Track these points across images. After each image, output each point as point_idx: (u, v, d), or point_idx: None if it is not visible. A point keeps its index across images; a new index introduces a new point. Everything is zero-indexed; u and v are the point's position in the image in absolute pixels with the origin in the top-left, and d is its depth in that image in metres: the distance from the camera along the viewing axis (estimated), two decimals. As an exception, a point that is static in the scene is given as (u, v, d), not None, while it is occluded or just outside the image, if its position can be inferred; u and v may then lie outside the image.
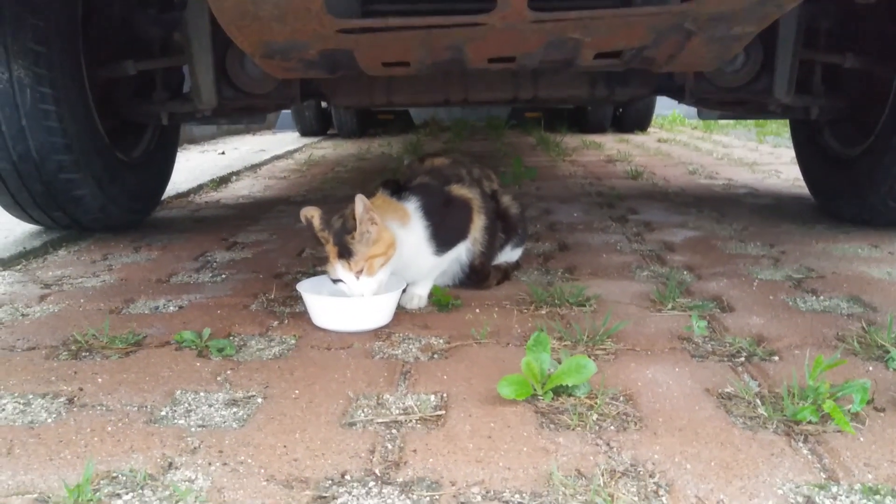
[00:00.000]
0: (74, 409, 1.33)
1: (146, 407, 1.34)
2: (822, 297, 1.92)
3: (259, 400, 1.36)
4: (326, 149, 6.37)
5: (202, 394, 1.39)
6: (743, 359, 1.53)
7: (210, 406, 1.34)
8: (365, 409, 1.32)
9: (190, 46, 2.20)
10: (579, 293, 1.89)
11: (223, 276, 2.23)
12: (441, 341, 1.65)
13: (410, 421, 1.28)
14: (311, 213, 1.74)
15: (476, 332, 1.67)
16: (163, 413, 1.32)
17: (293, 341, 1.67)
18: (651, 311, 1.82)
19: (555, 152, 5.51)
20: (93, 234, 2.79)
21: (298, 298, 1.92)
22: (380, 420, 1.28)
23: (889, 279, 2.08)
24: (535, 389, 1.35)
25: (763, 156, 5.43)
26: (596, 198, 3.54)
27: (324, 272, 1.79)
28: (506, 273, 2.09)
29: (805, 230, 2.73)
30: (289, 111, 7.65)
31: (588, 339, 1.61)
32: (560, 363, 1.45)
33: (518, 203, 2.10)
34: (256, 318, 1.83)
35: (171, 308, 1.92)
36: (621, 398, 1.35)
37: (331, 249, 1.70)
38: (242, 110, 2.68)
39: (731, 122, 8.70)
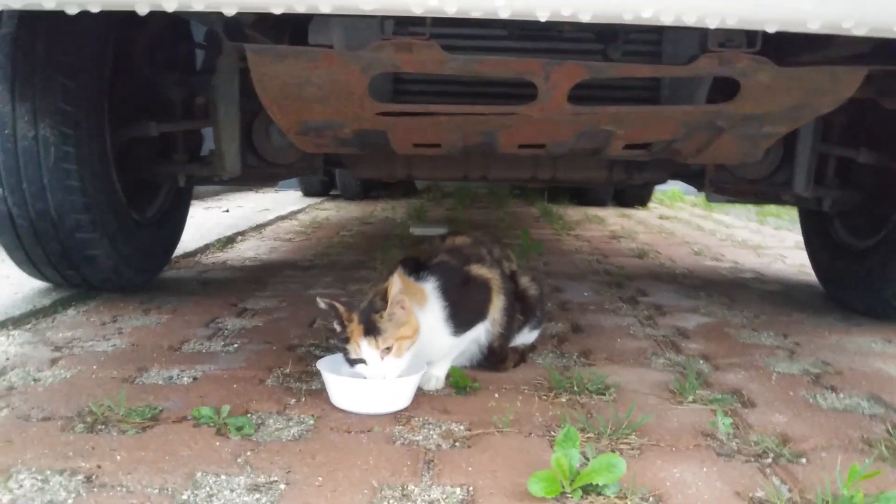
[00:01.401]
0: (94, 488, 1.30)
1: (167, 490, 1.31)
2: (841, 395, 1.91)
3: (282, 486, 1.33)
4: (330, 210, 6.40)
5: (223, 477, 1.36)
6: (770, 460, 1.51)
7: (232, 491, 1.31)
8: (391, 501, 1.29)
9: (216, 113, 2.22)
10: (599, 381, 1.88)
11: (235, 345, 2.20)
12: (462, 427, 1.63)
13: (438, 516, 1.25)
14: (333, 302, 1.72)
15: (498, 420, 1.64)
16: (185, 497, 1.28)
17: (312, 422, 1.64)
18: (671, 403, 1.81)
19: (559, 225, 5.55)
20: (101, 294, 2.77)
21: (315, 374, 1.90)
22: (407, 514, 1.25)
23: (906, 377, 2.07)
24: (563, 486, 1.32)
25: (766, 238, 5.47)
26: (604, 276, 3.55)
27: (339, 348, 1.77)
28: (522, 355, 2.07)
29: (816, 320, 2.73)
30: (292, 170, 7.70)
31: (612, 432, 1.59)
32: (587, 458, 1.43)
33: (537, 284, 2.10)
34: (273, 394, 1.80)
35: (186, 379, 1.89)
36: (651, 498, 1.33)
37: (355, 329, 1.68)
38: (261, 177, 2.69)
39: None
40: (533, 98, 1.40)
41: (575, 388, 1.86)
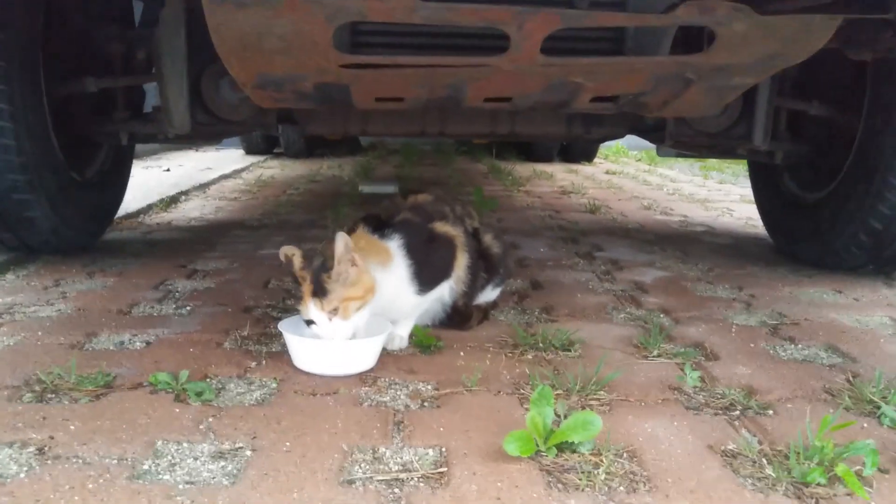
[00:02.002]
0: (48, 461, 1.23)
1: (127, 460, 1.25)
2: (800, 346, 1.93)
3: (248, 453, 1.28)
4: (274, 169, 6.26)
5: (185, 444, 1.31)
6: (738, 412, 1.51)
7: (196, 459, 1.26)
8: (362, 465, 1.26)
9: (161, 67, 2.10)
10: (564, 337, 1.86)
11: (188, 308, 2.13)
12: (429, 387, 1.60)
13: (412, 479, 1.22)
14: (292, 252, 1.67)
15: (466, 379, 1.62)
16: (145, 467, 1.23)
17: (274, 385, 1.59)
18: (637, 358, 1.80)
19: (508, 181, 5.52)
20: (41, 257, 2.65)
21: (275, 336, 1.85)
22: (380, 478, 1.22)
23: (860, 327, 2.11)
24: (538, 445, 1.30)
25: (712, 192, 5.54)
26: (559, 232, 3.54)
27: (296, 309, 1.71)
28: (485, 313, 2.05)
29: (769, 273, 2.76)
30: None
31: (581, 388, 1.58)
32: (558, 416, 1.42)
33: (500, 242, 2.07)
34: (232, 357, 1.74)
35: (138, 344, 1.82)
36: (625, 455, 1.32)
37: (306, 288, 1.62)
38: (210, 135, 2.58)
39: (673, 157, 8.88)
40: (503, 50, 1.35)
41: (540, 345, 1.84)
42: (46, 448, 1.27)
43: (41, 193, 2.37)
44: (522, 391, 1.58)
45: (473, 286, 1.93)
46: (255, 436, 1.35)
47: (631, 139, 9.05)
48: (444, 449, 1.32)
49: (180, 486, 1.17)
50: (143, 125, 2.54)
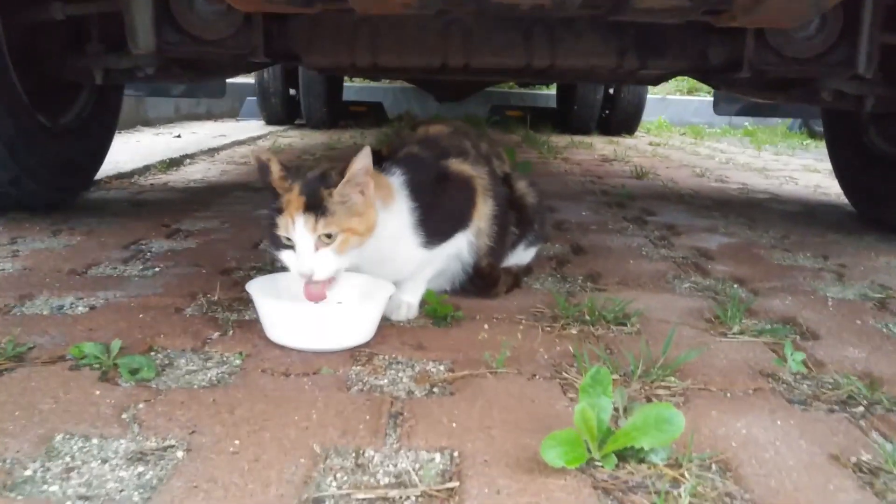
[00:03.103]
0: None
1: (5, 461, 0.88)
2: (919, 324, 1.51)
3: (179, 454, 0.91)
4: (293, 137, 5.88)
5: (95, 441, 0.94)
6: (862, 408, 1.10)
7: (104, 462, 0.89)
8: (339, 475, 0.87)
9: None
10: (617, 309, 1.46)
11: (156, 269, 1.75)
12: (442, 368, 1.21)
13: (408, 498, 0.83)
14: (269, 157, 1.27)
15: (490, 358, 1.22)
16: (28, 472, 0.86)
17: (238, 361, 1.21)
18: (713, 335, 1.40)
19: (544, 150, 5.08)
20: (5, 214, 2.30)
21: (250, 303, 1.46)
22: (361, 496, 0.83)
23: None
24: (590, 451, 0.91)
25: (769, 162, 5.05)
26: (602, 196, 3.12)
27: (282, 269, 1.33)
28: (516, 278, 1.65)
29: (854, 241, 2.32)
30: (254, 98, 7.14)
31: (643, 372, 1.18)
32: (619, 411, 1.02)
33: (535, 191, 1.67)
34: (191, 326, 1.36)
35: (80, 308, 1.45)
36: (714, 468, 0.92)
37: (293, 199, 1.22)
38: (192, 67, 2.20)
39: (719, 130, 8.38)
40: None
41: (587, 318, 1.44)
42: None
43: (-5, 138, 2.01)
44: (566, 375, 1.18)
45: (501, 242, 1.53)
46: (195, 430, 0.97)
47: (674, 113, 8.55)
48: (455, 453, 0.93)
49: (66, 505, 0.79)
50: (119, 60, 2.16)
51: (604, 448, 0.91)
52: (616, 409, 1.03)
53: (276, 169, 1.25)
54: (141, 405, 1.04)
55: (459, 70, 2.16)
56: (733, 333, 1.40)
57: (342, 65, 2.11)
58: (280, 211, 1.23)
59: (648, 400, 1.11)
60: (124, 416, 1.00)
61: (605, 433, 0.92)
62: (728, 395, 1.15)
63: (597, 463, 0.90)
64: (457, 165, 1.46)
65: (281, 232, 1.23)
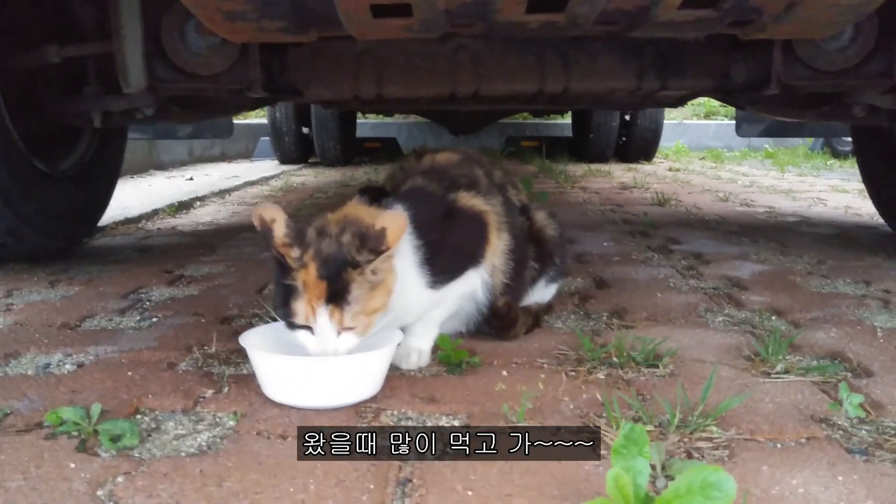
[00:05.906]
0: None
1: (-46, 555, 0.77)
2: (982, 355, 1.37)
3: (156, 539, 0.79)
4: (307, 176, 5.82)
5: (61, 526, 0.82)
6: (936, 459, 0.97)
7: (68, 553, 0.77)
8: (337, 561, 0.75)
9: (117, 12, 1.65)
10: (647, 349, 1.33)
11: (153, 319, 1.65)
12: (457, 424, 1.09)
13: (417, 589, 0.71)
14: (272, 216, 1.17)
15: (510, 411, 1.10)
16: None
17: (231, 423, 1.10)
18: (754, 376, 1.27)
19: (561, 179, 4.98)
20: (3, 265, 2.22)
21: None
22: (362, 587, 0.71)
23: None
24: (628, 523, 0.78)
25: (794, 184, 4.91)
26: (623, 226, 2.99)
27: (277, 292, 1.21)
28: (536, 318, 1.53)
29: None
30: (268, 138, 7.11)
31: (681, 422, 1.05)
32: (657, 468, 0.90)
33: (556, 223, 1.55)
34: (183, 383, 1.25)
35: (68, 366, 1.35)
36: (773, 539, 0.79)
37: (310, 283, 1.11)
38: (191, 105, 2.12)
39: (739, 153, 8.26)
40: None
41: (615, 360, 1.32)
42: None
43: (-14, 187, 1.93)
44: (594, 427, 1.06)
45: (519, 279, 1.42)
46: (177, 508, 0.85)
47: (692, 137, 8.44)
48: (473, 530, 0.81)
49: None
50: (118, 102, 2.08)
51: (643, 518, 0.79)
52: (653, 467, 0.90)
53: (280, 232, 1.14)
54: (120, 478, 0.92)
55: (470, 99, 2.07)
56: (777, 373, 1.27)
57: (346, 97, 2.02)
58: (292, 293, 1.12)
59: (689, 455, 0.99)
60: (99, 492, 0.89)
61: (642, 501, 0.80)
62: (779, 445, 1.02)
63: (636, 537, 0.78)
64: (466, 200, 1.35)
65: (298, 320, 1.13)
